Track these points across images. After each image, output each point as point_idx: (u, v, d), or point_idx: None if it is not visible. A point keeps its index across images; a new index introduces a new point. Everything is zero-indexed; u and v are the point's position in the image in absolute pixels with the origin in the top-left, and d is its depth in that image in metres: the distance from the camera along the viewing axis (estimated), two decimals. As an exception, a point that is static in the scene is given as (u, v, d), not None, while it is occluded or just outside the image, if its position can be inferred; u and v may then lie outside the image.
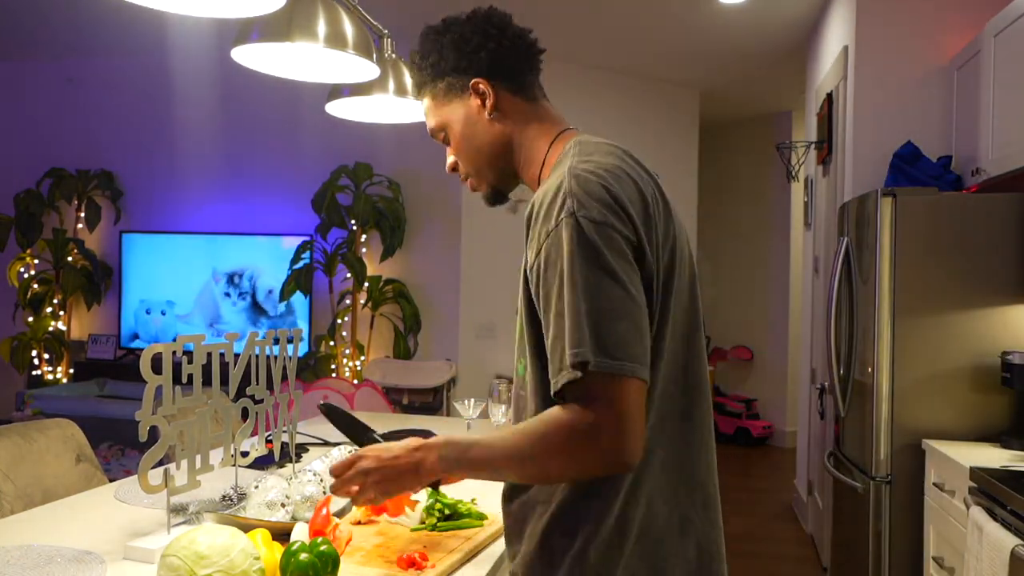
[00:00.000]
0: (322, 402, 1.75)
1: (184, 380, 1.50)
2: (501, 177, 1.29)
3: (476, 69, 1.22)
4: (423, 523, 1.62)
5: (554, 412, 1.04)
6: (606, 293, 1.00)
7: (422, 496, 1.63)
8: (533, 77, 1.26)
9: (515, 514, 1.20)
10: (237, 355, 1.68)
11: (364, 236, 5.29)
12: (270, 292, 5.45)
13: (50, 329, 5.71)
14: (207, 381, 1.58)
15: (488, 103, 1.23)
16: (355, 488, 1.23)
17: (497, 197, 1.31)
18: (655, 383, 1.08)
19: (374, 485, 1.22)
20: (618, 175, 1.08)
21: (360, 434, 1.77)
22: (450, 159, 1.32)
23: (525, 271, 1.11)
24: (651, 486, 1.10)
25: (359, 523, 1.63)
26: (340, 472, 1.25)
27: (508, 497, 1.21)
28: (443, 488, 1.53)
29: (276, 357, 1.79)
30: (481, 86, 1.23)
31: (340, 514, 1.67)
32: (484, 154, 1.27)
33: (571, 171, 1.08)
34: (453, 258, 5.32)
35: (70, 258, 5.67)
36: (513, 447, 1.09)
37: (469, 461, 1.14)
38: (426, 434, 2.27)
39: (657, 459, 1.11)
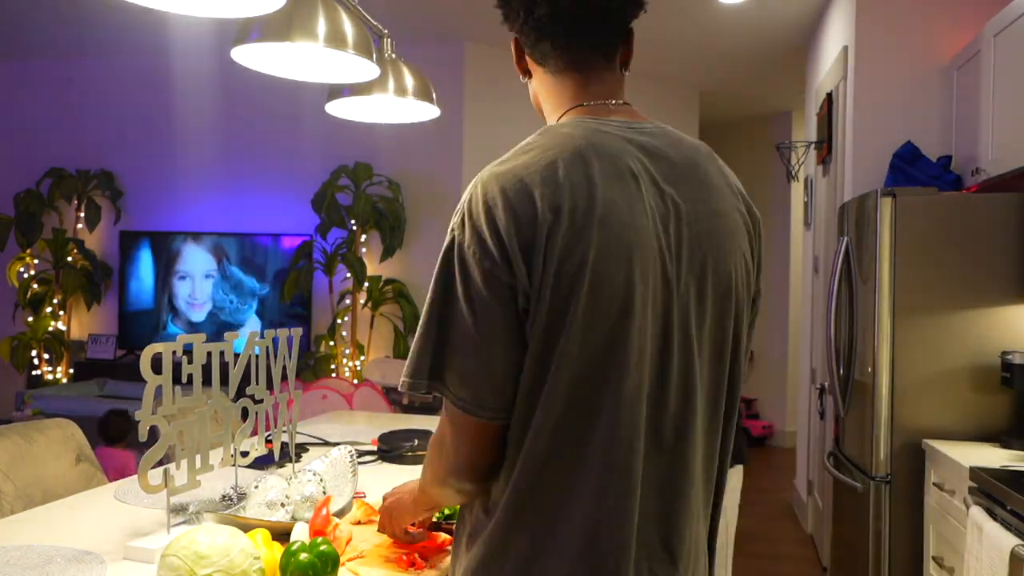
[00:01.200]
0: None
1: (184, 380, 1.50)
2: None
3: (511, 22, 1.13)
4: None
5: None
6: (453, 320, 1.00)
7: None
8: (568, 42, 1.10)
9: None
10: (237, 355, 1.68)
11: (364, 236, 5.29)
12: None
13: (50, 329, 5.72)
14: (207, 381, 1.58)
15: (523, 64, 1.16)
16: (392, 528, 1.44)
17: None
18: (551, 406, 0.98)
19: (387, 512, 1.43)
20: (520, 183, 0.98)
21: None
22: None
23: None
24: (535, 525, 1.01)
25: (359, 523, 1.63)
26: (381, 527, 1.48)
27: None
28: None
29: (276, 357, 1.79)
30: (516, 41, 1.15)
31: (340, 514, 1.67)
32: (538, 110, 1.21)
33: (479, 176, 1.03)
34: (453, 258, 5.31)
35: (70, 258, 5.68)
36: (424, 469, 1.19)
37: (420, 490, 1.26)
38: (427, 434, 2.27)
39: (546, 498, 1.00)
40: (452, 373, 1.00)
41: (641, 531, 1.01)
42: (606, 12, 1.11)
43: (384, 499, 1.46)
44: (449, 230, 1.03)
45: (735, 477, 2.23)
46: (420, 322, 1.03)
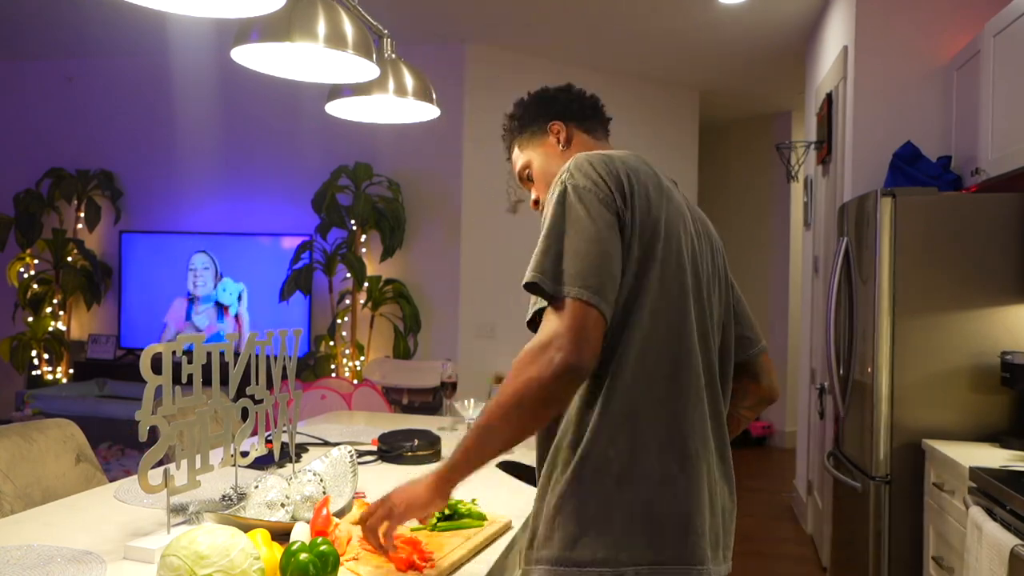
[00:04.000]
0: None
1: (184, 380, 1.50)
2: None
3: (553, 115, 1.55)
4: (423, 524, 1.62)
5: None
6: (574, 234, 1.23)
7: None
8: (596, 121, 1.57)
9: (541, 477, 1.32)
10: (237, 355, 1.68)
11: (364, 236, 5.29)
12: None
13: (50, 329, 5.72)
14: (207, 381, 1.58)
15: (561, 137, 1.53)
16: (383, 526, 1.34)
17: None
18: (631, 344, 1.24)
19: (390, 511, 1.33)
20: (606, 160, 1.30)
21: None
22: (533, 196, 1.57)
23: None
24: (631, 439, 1.24)
25: (360, 523, 1.63)
26: (367, 517, 1.36)
27: (538, 466, 1.35)
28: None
29: (276, 357, 1.79)
30: (556, 126, 1.54)
31: (340, 514, 1.67)
32: None
33: (572, 159, 1.32)
34: (453, 258, 5.32)
35: (70, 258, 5.68)
36: (496, 397, 1.24)
37: (469, 439, 1.26)
38: (426, 434, 2.28)
39: (642, 417, 1.24)
40: (574, 275, 1.20)
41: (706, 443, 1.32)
42: (602, 109, 1.61)
43: (374, 507, 1.35)
44: (558, 184, 1.28)
45: None
46: (540, 240, 1.24)
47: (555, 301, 1.21)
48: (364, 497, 1.81)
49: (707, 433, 1.31)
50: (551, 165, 1.53)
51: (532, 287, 1.22)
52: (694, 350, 1.30)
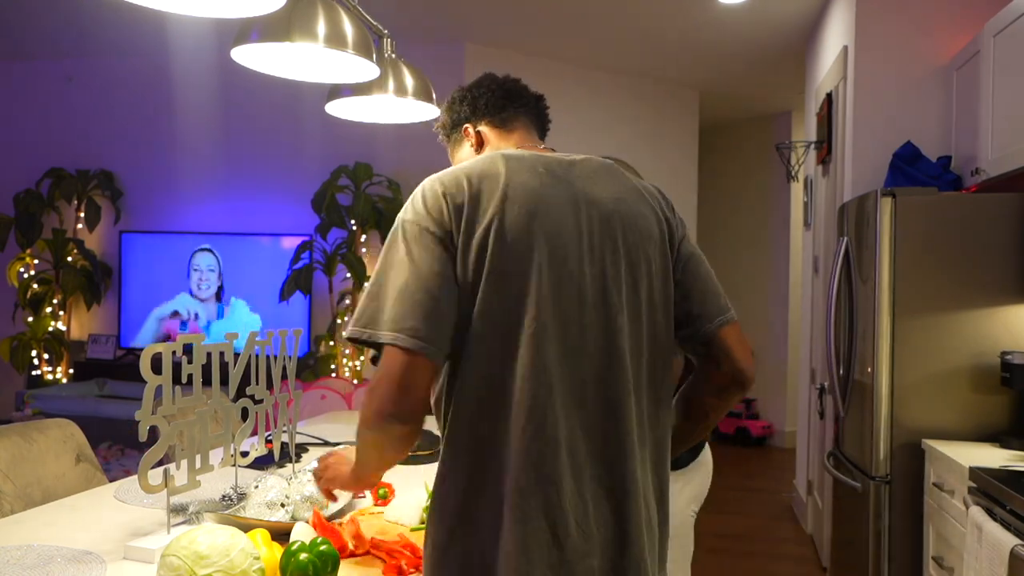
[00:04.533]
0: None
1: (184, 380, 1.50)
2: None
3: (464, 118, 1.49)
4: (423, 523, 1.62)
5: None
6: (395, 275, 1.16)
7: (409, 499, 1.64)
8: (514, 111, 1.47)
9: None
10: (237, 355, 1.68)
11: (364, 236, 5.29)
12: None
13: (50, 329, 5.71)
14: (207, 381, 1.58)
15: (474, 141, 1.48)
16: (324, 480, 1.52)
17: None
18: (465, 374, 1.16)
19: (326, 475, 1.50)
20: (445, 180, 1.24)
21: None
22: None
23: None
24: (456, 471, 1.16)
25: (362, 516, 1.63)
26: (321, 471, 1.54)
27: None
28: None
29: (276, 357, 1.79)
30: (468, 129, 1.49)
31: (340, 514, 1.67)
32: None
33: (421, 184, 1.27)
34: (453, 258, 5.31)
35: (70, 258, 5.67)
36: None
37: (355, 456, 1.33)
38: (427, 434, 2.27)
39: (461, 445, 1.16)
40: (389, 319, 1.14)
41: (572, 467, 1.16)
42: (524, 93, 1.50)
43: (320, 460, 1.53)
44: (399, 216, 1.23)
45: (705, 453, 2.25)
46: (371, 279, 1.20)
47: (380, 347, 1.16)
48: (364, 497, 1.81)
49: (553, 460, 1.15)
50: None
51: (354, 341, 1.17)
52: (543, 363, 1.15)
